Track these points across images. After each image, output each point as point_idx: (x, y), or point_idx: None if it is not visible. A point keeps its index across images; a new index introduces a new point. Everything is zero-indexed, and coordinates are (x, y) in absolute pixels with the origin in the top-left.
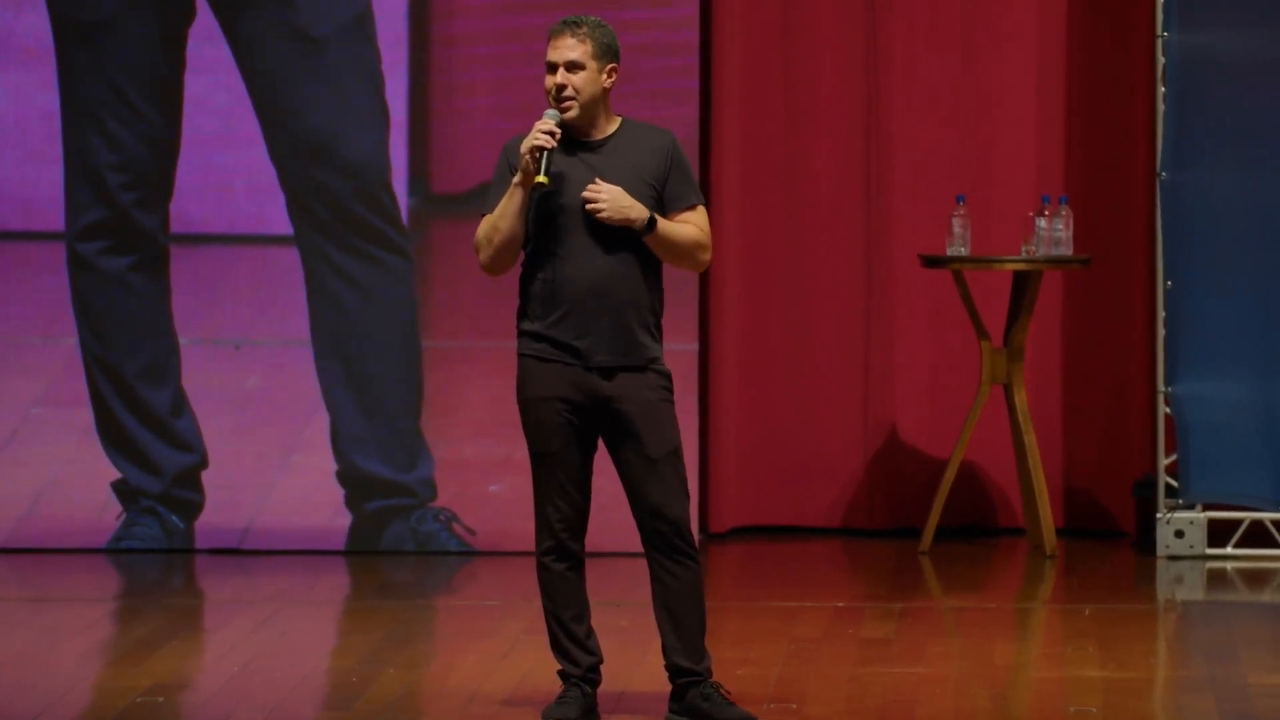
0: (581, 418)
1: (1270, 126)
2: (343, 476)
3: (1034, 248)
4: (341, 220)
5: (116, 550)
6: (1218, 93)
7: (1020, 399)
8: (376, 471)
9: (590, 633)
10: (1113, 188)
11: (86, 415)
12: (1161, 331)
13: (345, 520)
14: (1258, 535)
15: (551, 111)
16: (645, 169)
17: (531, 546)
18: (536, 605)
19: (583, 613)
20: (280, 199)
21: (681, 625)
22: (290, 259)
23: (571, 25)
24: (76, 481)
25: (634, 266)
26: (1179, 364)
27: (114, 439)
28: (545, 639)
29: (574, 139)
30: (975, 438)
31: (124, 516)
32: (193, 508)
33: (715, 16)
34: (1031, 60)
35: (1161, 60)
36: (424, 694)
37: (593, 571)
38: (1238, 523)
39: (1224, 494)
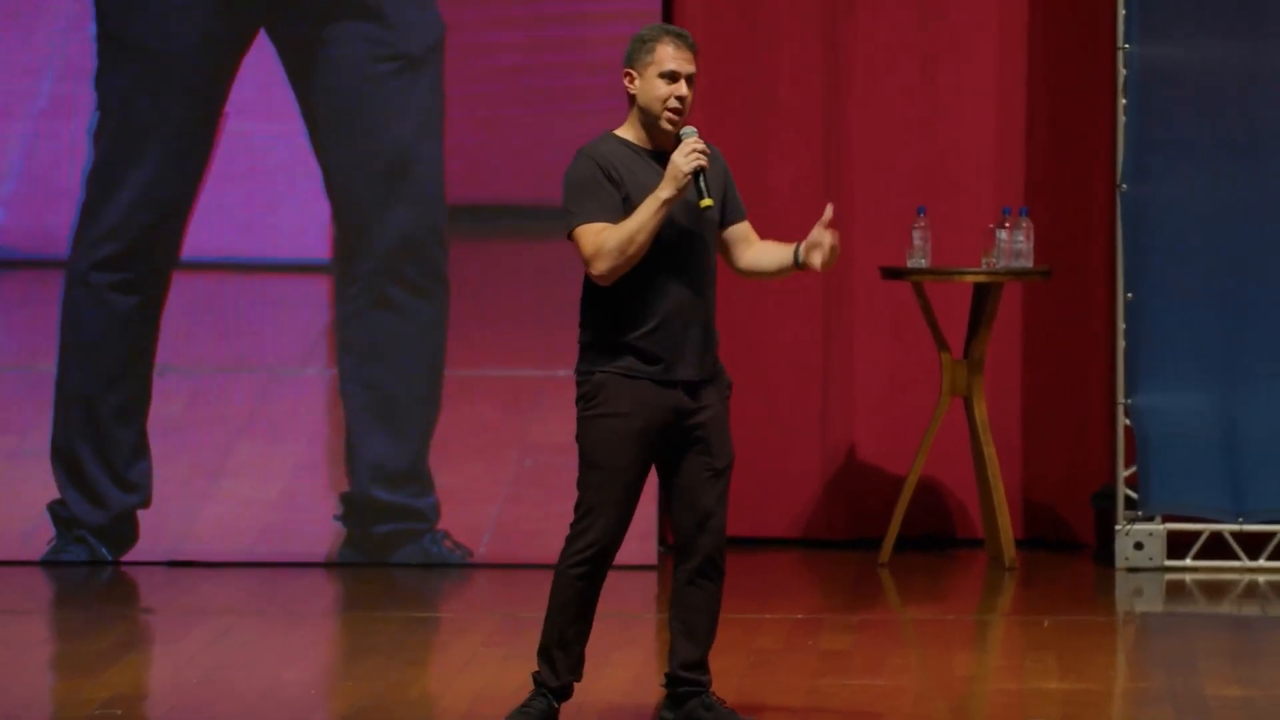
0: (657, 435)
1: (1231, 139)
2: (350, 498)
3: (994, 259)
4: (402, 245)
5: (58, 563)
6: (1179, 105)
7: (980, 411)
8: (385, 496)
9: (584, 652)
10: (1073, 199)
11: (27, 438)
12: (1121, 343)
13: (266, 546)
14: (1216, 547)
15: (691, 129)
16: (713, 182)
17: (483, 558)
18: (495, 617)
19: (587, 630)
20: (208, 223)
21: (696, 636)
22: (210, 285)
23: (685, 38)
24: (5, 497)
25: (708, 280)
26: (1139, 376)
27: (67, 464)
28: (503, 651)
29: (647, 149)
30: (935, 449)
31: (54, 542)
32: (126, 542)
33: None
34: (992, 72)
35: (1123, 72)
36: (383, 706)
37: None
38: (1197, 534)
39: (1183, 506)
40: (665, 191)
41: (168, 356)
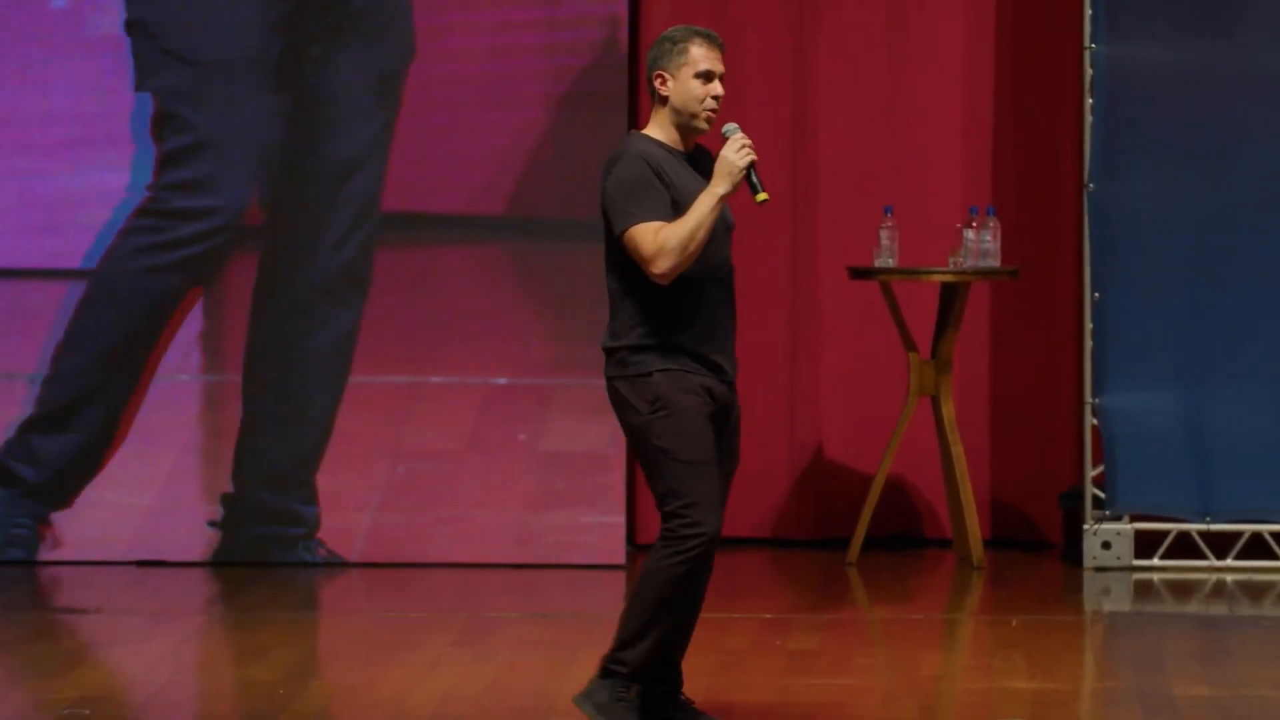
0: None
1: (1198, 138)
2: (232, 499)
3: (962, 259)
4: (334, 255)
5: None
6: (1145, 104)
7: (948, 410)
8: (271, 500)
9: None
10: (1041, 199)
11: None
12: (1089, 343)
13: (138, 551)
14: (1184, 546)
15: (733, 125)
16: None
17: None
18: (462, 616)
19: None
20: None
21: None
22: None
23: (714, 37)
24: None
25: (732, 283)
26: (1106, 375)
27: (37, 435)
28: (471, 652)
29: (680, 151)
30: (903, 449)
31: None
32: (59, 503)
33: (642, 25)
34: (959, 71)
35: (1089, 72)
36: (351, 706)
37: (536, 582)
38: (1164, 534)
39: (1150, 505)
40: (721, 187)
41: (42, 365)
